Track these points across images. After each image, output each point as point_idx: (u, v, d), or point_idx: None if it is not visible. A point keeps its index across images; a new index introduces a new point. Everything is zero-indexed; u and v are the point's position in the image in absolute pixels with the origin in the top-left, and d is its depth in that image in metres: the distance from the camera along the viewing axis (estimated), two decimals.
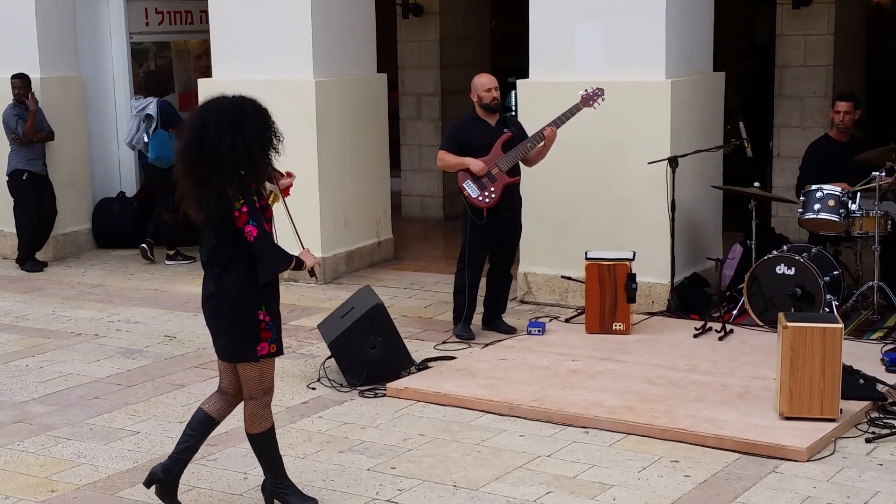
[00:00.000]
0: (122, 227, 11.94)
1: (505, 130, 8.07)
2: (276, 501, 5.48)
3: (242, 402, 5.40)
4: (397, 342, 7.43)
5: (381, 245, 10.85)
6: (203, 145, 5.01)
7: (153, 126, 11.00)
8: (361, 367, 7.27)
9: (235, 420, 6.72)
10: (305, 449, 6.28)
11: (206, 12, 10.87)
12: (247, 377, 5.29)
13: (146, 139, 11.03)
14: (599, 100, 8.04)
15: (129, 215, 11.98)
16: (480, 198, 7.95)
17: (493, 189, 7.94)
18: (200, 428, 5.43)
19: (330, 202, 10.18)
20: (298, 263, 5.41)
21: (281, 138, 5.21)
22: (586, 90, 8.05)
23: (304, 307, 9.34)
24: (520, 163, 8.06)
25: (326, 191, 10.12)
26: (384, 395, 7.11)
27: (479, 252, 8.13)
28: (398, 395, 7.07)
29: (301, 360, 7.91)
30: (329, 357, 7.53)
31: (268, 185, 5.33)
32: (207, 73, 10.87)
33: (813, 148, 9.01)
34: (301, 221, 10.02)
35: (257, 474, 5.92)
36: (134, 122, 11.19)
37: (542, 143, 7.98)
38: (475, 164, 7.91)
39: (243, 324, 5.18)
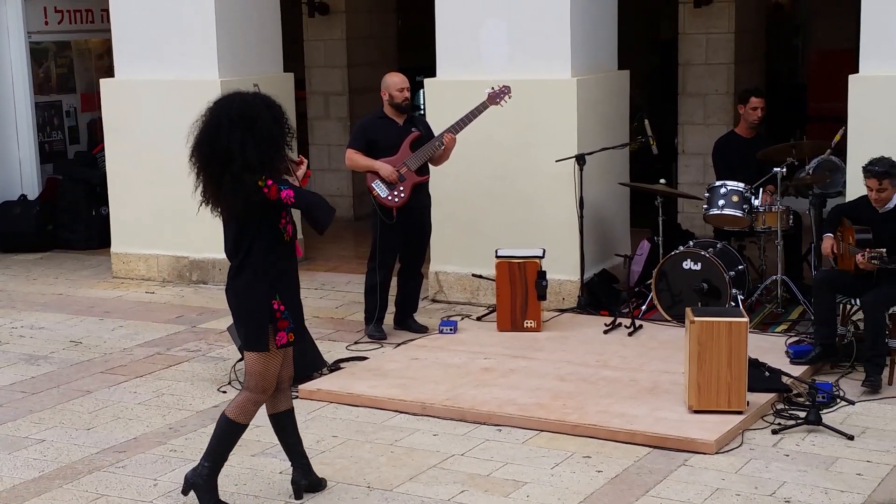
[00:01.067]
0: (24, 231, 11.70)
1: (413, 129, 8.06)
2: (191, 493, 5.45)
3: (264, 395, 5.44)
4: (309, 343, 7.36)
5: None
6: (215, 143, 5.11)
7: None
8: None
9: (145, 426, 6.63)
10: None
11: (107, 11, 10.68)
12: (251, 368, 5.33)
13: None
14: (506, 97, 8.07)
15: (31, 219, 11.73)
16: (390, 197, 7.93)
17: (402, 188, 7.92)
18: (280, 427, 5.58)
19: None
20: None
21: (292, 133, 5.30)
22: (493, 88, 8.08)
23: (214, 309, 9.23)
24: (428, 162, 8.06)
25: None
26: (296, 397, 7.02)
27: (390, 252, 8.11)
28: (310, 397, 7.02)
29: (211, 363, 7.81)
30: (240, 360, 7.42)
31: (287, 178, 5.33)
32: (110, 72, 10.69)
33: (721, 145, 9.11)
34: (210, 222, 10.00)
35: (168, 480, 5.83)
36: None
37: (442, 149, 8.01)
38: (385, 169, 7.89)
39: (256, 313, 5.25)
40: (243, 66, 10.11)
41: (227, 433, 5.46)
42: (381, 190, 7.94)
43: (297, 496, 5.57)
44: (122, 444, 6.39)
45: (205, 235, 10.03)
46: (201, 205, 5.31)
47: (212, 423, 6.60)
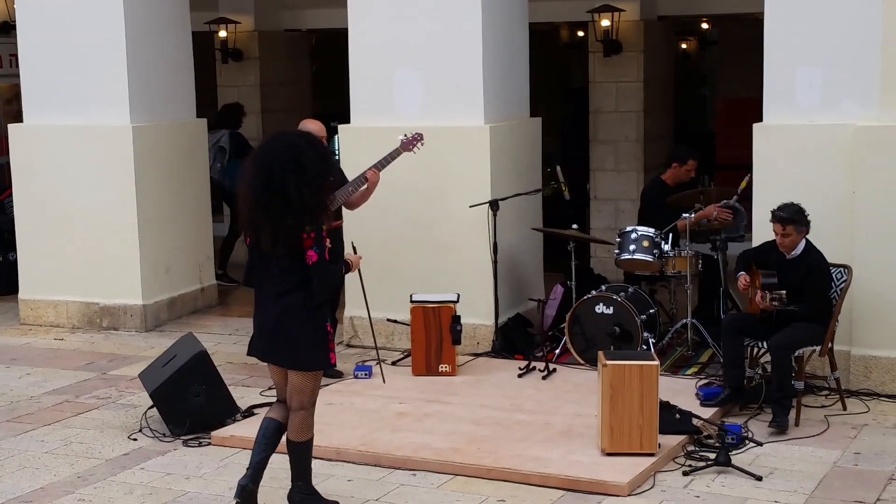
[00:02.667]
0: None
1: None
2: None
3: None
4: (222, 389, 7.31)
5: (204, 291, 10.67)
6: (271, 188, 5.47)
7: (226, 157, 11.57)
8: (185, 416, 7.12)
9: (52, 475, 6.50)
10: (127, 502, 6.11)
11: (16, 56, 10.55)
12: (303, 387, 5.73)
13: (220, 168, 11.59)
14: (419, 144, 8.12)
15: None
16: None
17: None
18: (273, 436, 5.86)
19: (150, 249, 9.97)
20: (347, 268, 5.99)
21: (336, 166, 5.66)
22: (406, 135, 8.13)
23: (125, 356, 9.10)
24: (342, 206, 8.07)
25: (146, 238, 9.91)
26: (209, 444, 6.98)
27: None
28: (223, 444, 6.95)
29: (122, 411, 7.69)
30: (151, 406, 7.34)
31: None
32: (19, 117, 10.55)
33: (654, 190, 9.20)
34: (121, 269, 9.94)
35: None
36: (210, 155, 11.34)
37: (365, 186, 8.01)
38: None
39: (317, 335, 5.67)
40: (156, 112, 10.05)
41: (303, 453, 5.86)
42: None
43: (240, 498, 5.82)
44: (28, 493, 6.25)
45: (115, 281, 9.95)
46: (247, 235, 5.71)
47: (122, 471, 6.54)
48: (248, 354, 5.99)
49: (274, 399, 7.68)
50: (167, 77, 10.20)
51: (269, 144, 5.64)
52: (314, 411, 5.84)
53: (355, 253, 6.57)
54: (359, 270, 6.41)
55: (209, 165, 11.47)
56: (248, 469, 5.83)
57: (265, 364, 8.58)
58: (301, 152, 5.54)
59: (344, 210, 8.16)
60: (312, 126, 8.04)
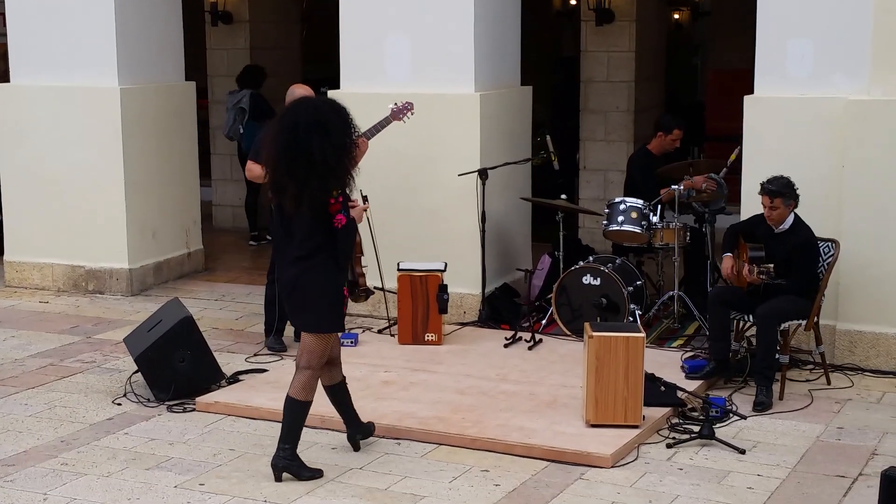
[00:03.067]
0: None
1: None
2: (285, 475, 5.87)
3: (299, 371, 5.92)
4: (207, 355, 7.29)
5: (191, 256, 10.63)
6: (295, 148, 5.56)
7: (245, 118, 11.60)
8: (169, 381, 7.10)
9: (35, 439, 6.49)
10: (110, 467, 6.09)
11: (3, 15, 10.45)
12: (314, 348, 5.84)
13: (241, 130, 11.61)
14: (409, 113, 8.07)
15: None
16: None
17: None
18: (339, 394, 6.16)
19: (137, 212, 9.92)
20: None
21: (358, 132, 5.82)
22: (396, 104, 8.06)
23: (110, 320, 9.08)
24: None
25: (133, 201, 9.86)
26: (193, 410, 6.96)
27: None
28: (208, 410, 6.94)
29: (106, 375, 7.67)
30: (136, 371, 7.32)
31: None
32: (6, 77, 10.45)
33: (638, 162, 9.17)
34: (107, 232, 9.90)
35: (58, 494, 5.71)
36: (230, 115, 11.61)
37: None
38: None
39: (334, 298, 5.80)
40: (144, 74, 9.98)
41: (299, 413, 5.90)
42: None
43: (355, 448, 6.22)
44: (11, 457, 6.24)
45: (102, 245, 9.91)
46: (272, 196, 5.78)
47: (106, 436, 6.53)
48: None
49: (260, 366, 7.74)
50: (156, 39, 10.12)
51: (294, 106, 5.77)
52: (318, 375, 5.96)
53: (366, 202, 6.68)
54: (368, 219, 6.42)
55: (229, 126, 11.71)
56: (346, 424, 6.24)
57: (251, 330, 8.68)
58: (325, 115, 5.65)
59: None
60: (301, 91, 7.98)
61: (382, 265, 8.35)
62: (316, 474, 5.91)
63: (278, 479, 5.87)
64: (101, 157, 9.81)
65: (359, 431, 6.29)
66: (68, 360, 8.01)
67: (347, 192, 5.74)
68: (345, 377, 6.21)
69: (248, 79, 11.96)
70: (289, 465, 5.88)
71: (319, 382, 6.04)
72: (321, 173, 5.58)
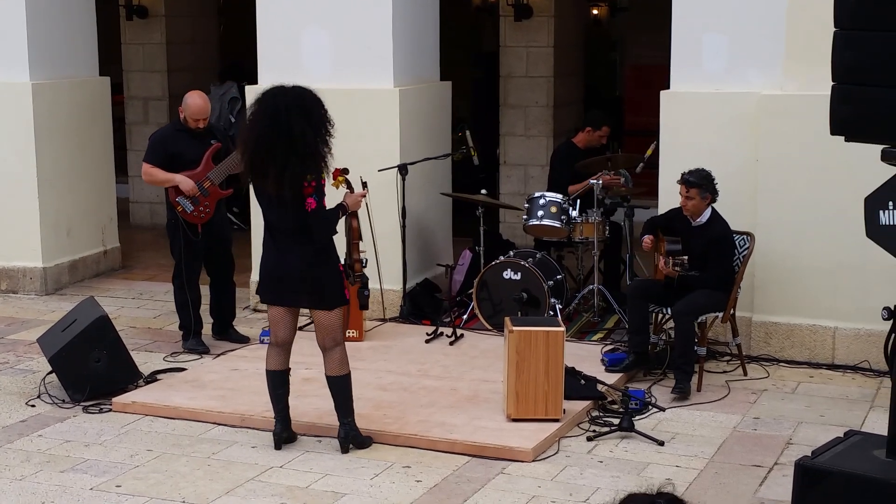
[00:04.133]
0: None
1: (212, 142, 7.92)
2: (351, 446, 6.16)
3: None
4: (123, 355, 7.17)
5: (107, 254, 10.46)
6: (276, 129, 5.68)
7: (238, 107, 11.73)
8: (85, 381, 6.98)
9: None
10: (23, 470, 5.96)
11: None
12: (333, 324, 6.07)
13: (232, 119, 11.75)
14: None
15: None
16: (195, 213, 7.79)
17: (207, 203, 7.81)
18: (283, 383, 6.22)
19: (51, 210, 9.74)
20: (344, 210, 6.23)
21: (333, 124, 5.87)
22: None
23: (24, 320, 8.90)
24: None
25: (47, 198, 9.68)
26: (110, 411, 6.85)
27: (195, 265, 7.99)
28: (125, 410, 6.84)
29: (20, 376, 7.52)
30: (50, 372, 7.18)
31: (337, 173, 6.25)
32: None
33: (561, 155, 9.24)
34: (20, 230, 9.69)
35: None
36: (216, 105, 11.51)
37: None
38: (185, 184, 7.73)
39: (337, 274, 6.05)
40: (57, 69, 9.80)
41: (347, 385, 6.18)
42: (186, 206, 7.78)
43: (278, 446, 6.23)
44: None
45: (14, 243, 9.71)
46: (252, 182, 5.96)
47: (19, 438, 6.42)
48: (263, 301, 6.27)
49: (179, 365, 7.63)
50: (68, 33, 9.94)
51: (274, 90, 5.84)
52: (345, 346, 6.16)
53: (365, 188, 6.92)
54: (367, 205, 6.76)
55: (216, 116, 11.65)
56: (276, 420, 6.23)
57: (169, 329, 8.55)
58: (306, 98, 5.81)
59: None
60: (195, 105, 7.78)
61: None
62: (371, 440, 6.26)
63: (345, 451, 6.14)
64: (13, 153, 9.61)
65: (286, 430, 6.27)
66: None
67: (322, 178, 5.89)
68: (290, 369, 6.32)
69: (232, 71, 12.24)
70: (356, 436, 6.18)
71: (265, 365, 6.26)
72: (301, 156, 5.72)
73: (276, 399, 6.24)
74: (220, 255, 8.07)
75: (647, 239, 7.48)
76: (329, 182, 6.12)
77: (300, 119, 5.73)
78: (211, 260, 8.04)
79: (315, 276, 5.99)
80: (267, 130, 5.74)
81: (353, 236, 6.50)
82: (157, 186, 8.22)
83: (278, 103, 5.76)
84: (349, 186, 6.51)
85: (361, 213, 6.74)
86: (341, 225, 6.30)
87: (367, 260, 8.14)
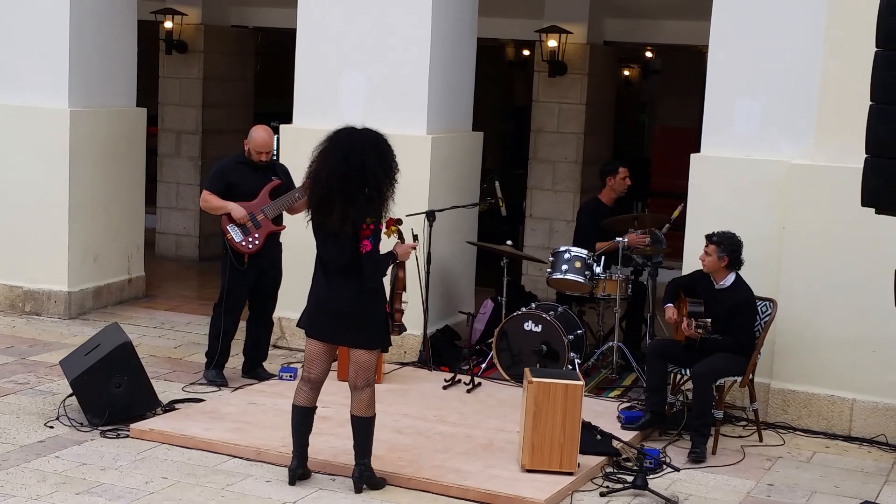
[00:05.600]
0: None
1: (273, 178, 8.01)
2: (364, 486, 6.17)
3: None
4: (144, 382, 7.22)
5: (132, 282, 10.54)
6: (349, 165, 5.81)
7: None
8: (104, 406, 7.02)
9: None
10: (39, 490, 6.00)
11: None
12: (369, 364, 6.12)
13: None
14: None
15: None
16: (244, 243, 7.85)
17: (257, 235, 7.86)
18: (309, 421, 6.24)
19: (80, 235, 9.83)
20: (394, 259, 6.30)
21: (399, 171, 6.01)
22: None
23: (46, 342, 8.96)
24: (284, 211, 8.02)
25: (77, 223, 9.78)
26: (127, 436, 6.89)
27: (238, 297, 8.02)
28: (142, 437, 6.87)
29: (39, 397, 7.56)
30: (70, 395, 7.23)
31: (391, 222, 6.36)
32: None
33: (589, 211, 9.26)
34: (48, 253, 9.79)
35: None
36: None
37: (305, 197, 7.94)
38: (237, 211, 7.80)
39: (384, 316, 6.15)
40: (95, 98, 9.94)
41: (371, 427, 6.21)
42: (235, 234, 7.85)
43: (293, 482, 6.25)
44: None
45: (41, 266, 9.79)
46: (312, 216, 6.05)
47: (36, 458, 6.44)
48: (308, 335, 6.22)
49: (197, 395, 7.67)
50: (109, 64, 10.08)
51: (348, 129, 5.99)
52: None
53: (415, 240, 6.99)
54: (416, 257, 7.04)
55: None
56: (294, 456, 6.23)
57: (189, 359, 8.60)
58: (380, 140, 5.96)
59: (285, 215, 8.08)
60: (261, 142, 7.89)
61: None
62: (385, 482, 6.27)
63: (359, 491, 6.15)
64: (48, 177, 9.72)
65: (301, 467, 6.29)
66: (1, 381, 7.89)
67: (381, 223, 6.01)
68: (316, 407, 6.34)
69: None
70: (371, 477, 6.19)
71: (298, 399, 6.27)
72: (368, 196, 5.84)
73: (298, 435, 6.25)
74: (266, 292, 8.10)
75: (671, 311, 7.48)
76: (382, 230, 6.18)
77: (373, 159, 5.85)
78: (256, 296, 8.08)
79: (364, 315, 6.05)
80: (339, 166, 5.84)
81: (398, 286, 6.57)
82: (211, 213, 8.25)
83: (353, 141, 5.89)
84: (400, 237, 6.56)
85: (411, 264, 6.82)
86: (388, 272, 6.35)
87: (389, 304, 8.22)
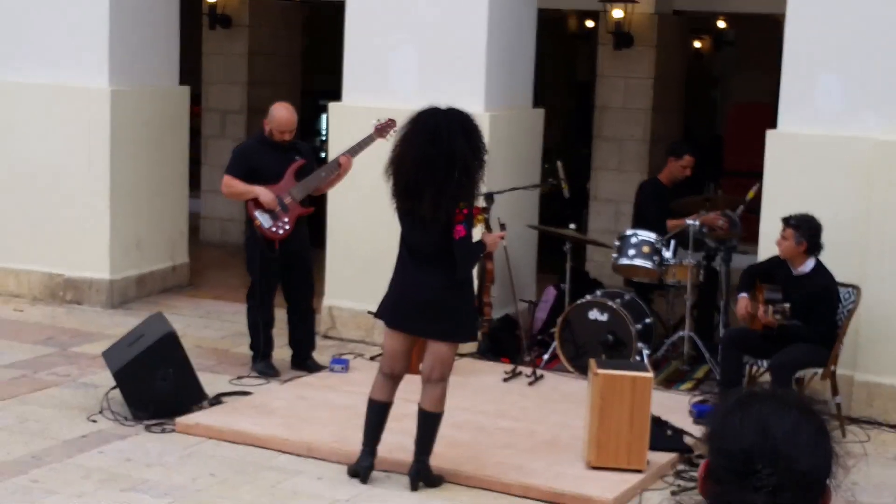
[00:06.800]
0: None
1: (297, 158, 8.04)
2: (421, 484, 6.19)
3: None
4: (189, 374, 7.30)
5: (176, 269, 10.65)
6: (437, 149, 5.78)
7: None
8: (149, 399, 7.11)
9: (5, 453, 6.48)
10: (83, 487, 6.09)
11: None
12: (448, 358, 6.15)
13: None
14: (392, 131, 8.02)
15: None
16: (273, 228, 7.89)
17: (286, 220, 7.90)
18: (384, 415, 6.25)
19: (122, 221, 9.94)
20: (483, 248, 6.29)
21: (487, 151, 6.02)
22: (378, 120, 8.03)
23: (88, 332, 9.08)
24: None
25: (118, 209, 9.89)
26: (173, 431, 6.97)
27: (271, 283, 8.08)
28: (188, 432, 6.95)
29: (82, 390, 7.68)
30: (113, 387, 7.32)
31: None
32: None
33: (649, 192, 9.22)
34: (89, 240, 9.90)
35: None
36: None
37: (337, 173, 8.00)
38: (266, 196, 7.83)
39: (472, 307, 6.22)
40: (136, 76, 10.03)
41: (437, 424, 6.21)
42: (264, 220, 7.88)
43: (364, 481, 6.25)
44: None
45: (83, 253, 9.91)
46: (399, 202, 6.00)
47: (79, 454, 6.53)
48: (389, 326, 6.23)
49: (245, 388, 7.74)
50: (151, 41, 10.17)
51: (432, 110, 5.96)
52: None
53: (503, 229, 6.92)
54: (505, 249, 6.74)
55: None
56: (365, 452, 6.24)
57: (236, 351, 8.68)
58: (466, 121, 5.94)
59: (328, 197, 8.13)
60: (284, 120, 7.91)
61: (373, 288, 8.36)
62: (443, 479, 6.27)
63: (415, 488, 6.16)
64: (88, 161, 9.84)
65: (369, 459, 6.30)
66: (42, 373, 8.02)
67: (474, 207, 6.04)
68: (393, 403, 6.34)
69: None
70: (428, 475, 6.20)
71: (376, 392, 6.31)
72: (459, 179, 5.82)
73: (374, 427, 6.26)
74: (299, 278, 8.13)
75: (743, 304, 7.39)
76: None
77: (461, 140, 5.83)
78: (289, 282, 8.12)
79: (453, 305, 6.06)
80: (426, 150, 5.82)
81: (488, 278, 6.59)
82: (235, 200, 8.32)
83: (439, 122, 5.86)
84: (487, 226, 6.56)
85: (499, 255, 6.83)
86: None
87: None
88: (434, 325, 6.09)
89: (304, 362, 8.25)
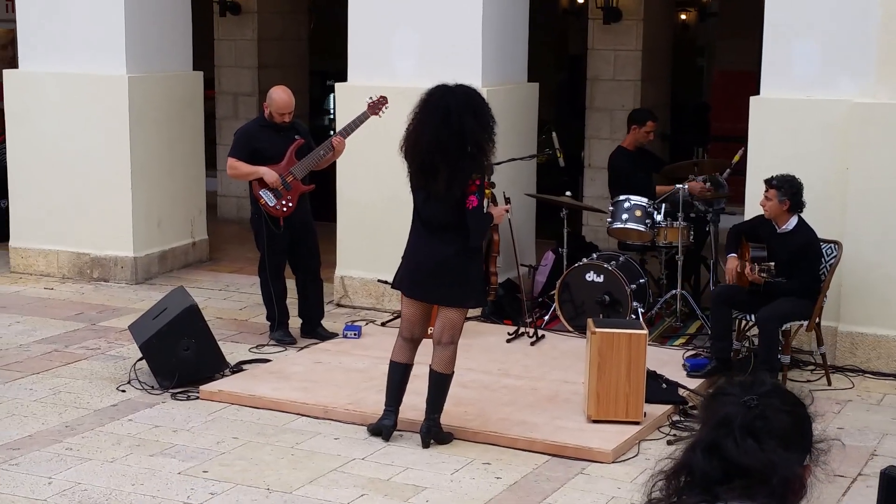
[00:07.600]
0: None
1: (296, 137, 8.03)
2: (432, 441, 6.21)
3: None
4: (211, 344, 7.32)
5: (195, 246, 10.67)
6: (448, 129, 5.78)
7: None
8: (174, 369, 7.14)
9: (40, 423, 6.52)
10: (114, 452, 6.13)
11: (12, 1, 10.48)
12: (457, 322, 6.15)
13: None
14: (384, 108, 8.00)
15: None
16: (278, 206, 7.90)
17: (289, 198, 7.91)
18: (405, 376, 6.28)
19: (143, 201, 9.95)
20: (491, 219, 6.22)
21: (496, 123, 5.99)
22: (371, 97, 8.00)
23: (115, 307, 9.11)
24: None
25: (139, 189, 9.89)
26: (197, 398, 7.00)
27: (279, 258, 8.10)
28: (211, 398, 6.98)
29: (111, 362, 7.71)
30: (140, 359, 7.36)
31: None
32: (14, 63, 10.48)
33: (619, 158, 9.22)
34: (113, 220, 9.93)
35: (62, 479, 5.75)
36: None
37: (331, 154, 7.99)
38: (269, 175, 7.84)
39: (481, 274, 6.23)
40: (152, 63, 10.01)
41: (447, 384, 6.24)
42: (268, 199, 7.90)
43: (387, 438, 6.29)
44: (16, 441, 6.28)
45: (107, 233, 9.94)
46: (413, 179, 6.00)
47: (110, 422, 6.57)
48: (409, 297, 6.21)
49: (264, 356, 7.77)
50: (165, 28, 10.15)
51: (441, 89, 5.93)
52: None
53: (508, 203, 6.89)
54: (509, 222, 6.73)
55: None
56: (388, 412, 6.27)
57: (254, 321, 8.70)
58: (474, 98, 5.92)
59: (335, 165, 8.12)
60: (281, 100, 7.88)
61: (383, 257, 8.38)
62: (452, 436, 6.29)
63: (426, 445, 6.18)
64: (108, 144, 9.84)
65: (392, 418, 6.32)
66: (73, 347, 8.05)
67: (486, 179, 6.03)
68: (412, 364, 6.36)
69: None
70: (438, 432, 6.22)
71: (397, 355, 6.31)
72: (472, 155, 5.83)
73: (396, 388, 6.28)
74: (306, 251, 8.14)
75: (732, 265, 7.38)
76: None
77: (470, 118, 5.82)
78: (296, 256, 8.13)
79: (463, 272, 6.05)
80: (438, 130, 5.82)
81: (494, 249, 6.60)
82: (242, 181, 8.33)
83: (448, 103, 5.84)
84: (493, 200, 6.57)
85: (503, 227, 6.82)
86: None
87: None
88: (445, 291, 6.10)
89: (314, 330, 8.27)
